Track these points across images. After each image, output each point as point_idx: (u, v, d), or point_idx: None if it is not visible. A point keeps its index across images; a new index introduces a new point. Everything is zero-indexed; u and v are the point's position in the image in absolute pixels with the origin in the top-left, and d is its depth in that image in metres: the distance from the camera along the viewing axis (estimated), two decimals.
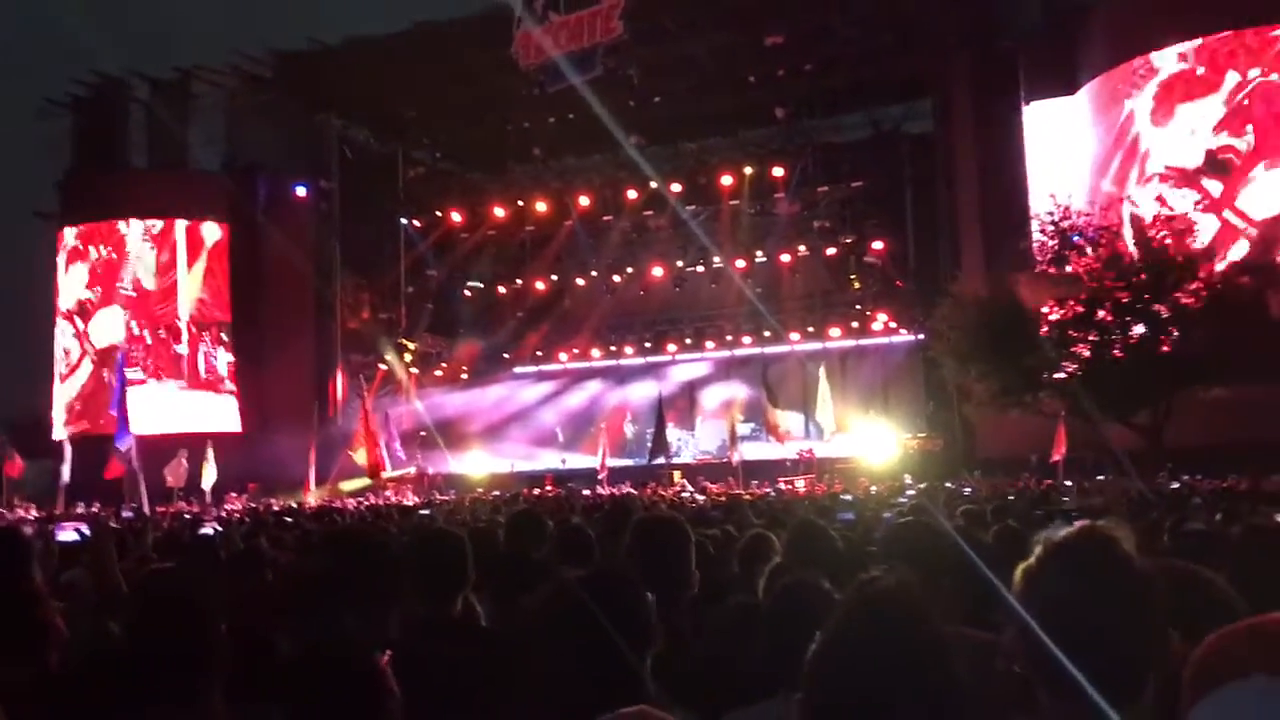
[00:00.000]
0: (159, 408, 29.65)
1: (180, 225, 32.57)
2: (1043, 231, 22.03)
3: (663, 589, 2.87)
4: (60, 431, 30.15)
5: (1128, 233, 21.99)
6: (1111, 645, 1.74)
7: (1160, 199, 21.98)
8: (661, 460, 25.08)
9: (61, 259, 32.88)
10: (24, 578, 3.61)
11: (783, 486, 20.55)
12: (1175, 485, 15.44)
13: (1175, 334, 19.80)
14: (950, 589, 3.14)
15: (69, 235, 32.88)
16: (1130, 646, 1.78)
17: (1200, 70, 23.08)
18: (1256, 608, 1.26)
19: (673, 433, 27.90)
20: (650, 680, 2.43)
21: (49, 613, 3.58)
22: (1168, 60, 23.60)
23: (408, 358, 34.05)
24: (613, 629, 2.32)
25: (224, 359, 32.35)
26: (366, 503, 20.07)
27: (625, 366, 34.26)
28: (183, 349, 32.08)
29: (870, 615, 1.54)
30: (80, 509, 20.06)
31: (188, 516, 15.40)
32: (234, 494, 24.70)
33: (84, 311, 32.59)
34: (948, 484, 17.76)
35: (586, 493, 20.07)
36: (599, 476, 24.36)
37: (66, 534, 6.61)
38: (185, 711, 2.64)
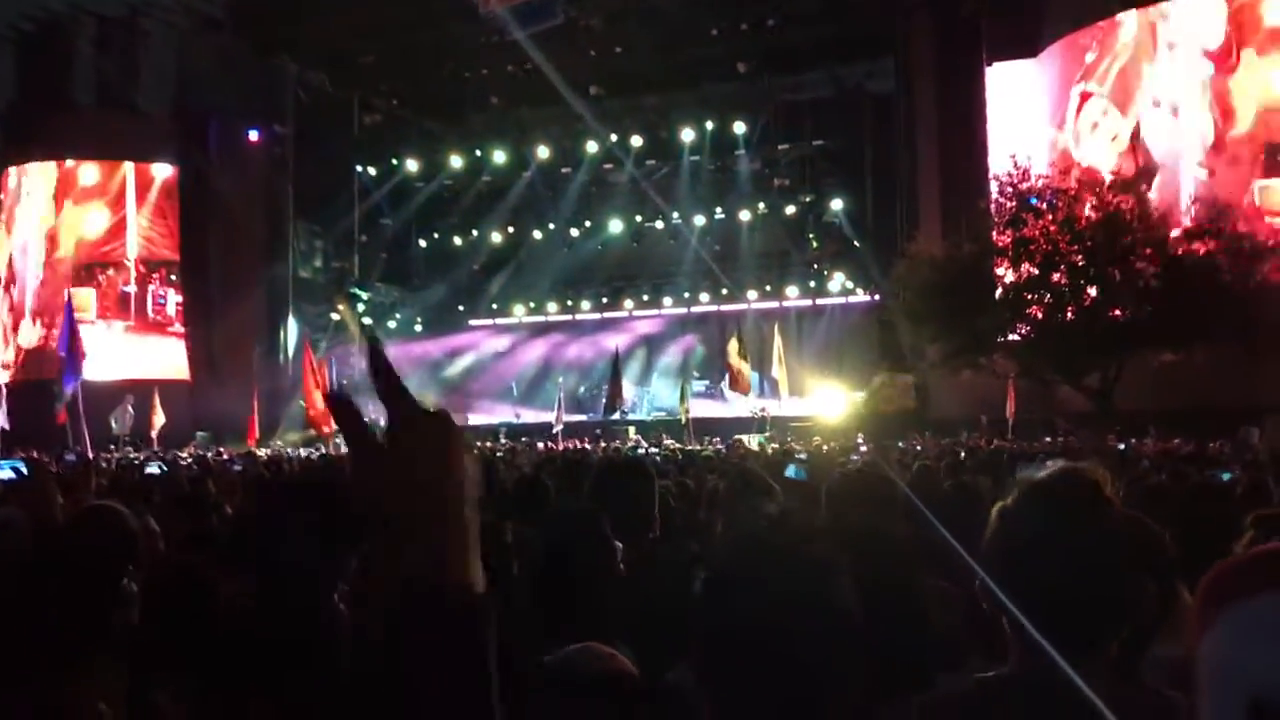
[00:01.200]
0: (106, 351, 29.08)
1: (129, 166, 31.91)
2: (1001, 193, 22.11)
3: (625, 531, 2.83)
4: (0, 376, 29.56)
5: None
6: (1086, 587, 1.72)
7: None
8: (616, 415, 25.05)
9: (4, 198, 32.13)
10: None
11: (732, 442, 20.58)
12: (1122, 447, 15.66)
13: (1128, 298, 20.01)
14: (903, 537, 3.11)
15: (12, 174, 32.11)
16: (1105, 589, 1.76)
17: (1163, 31, 23.21)
18: (1199, 559, 1.30)
19: (628, 389, 27.86)
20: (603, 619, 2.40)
21: None
22: (1130, 21, 23.69)
23: (360, 307, 33.67)
24: (574, 568, 2.28)
25: (173, 300, 31.84)
26: (318, 452, 19.87)
27: (582, 321, 34.15)
28: (130, 288, 31.52)
29: (756, 545, 1.51)
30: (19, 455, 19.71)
31: (135, 459, 15.16)
32: (190, 444, 24.34)
33: (26, 251, 31.90)
34: (900, 444, 17.88)
35: (541, 446, 20.03)
36: (554, 430, 24.30)
37: (3, 472, 6.44)
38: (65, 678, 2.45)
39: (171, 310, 31.84)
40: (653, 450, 17.52)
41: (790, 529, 1.50)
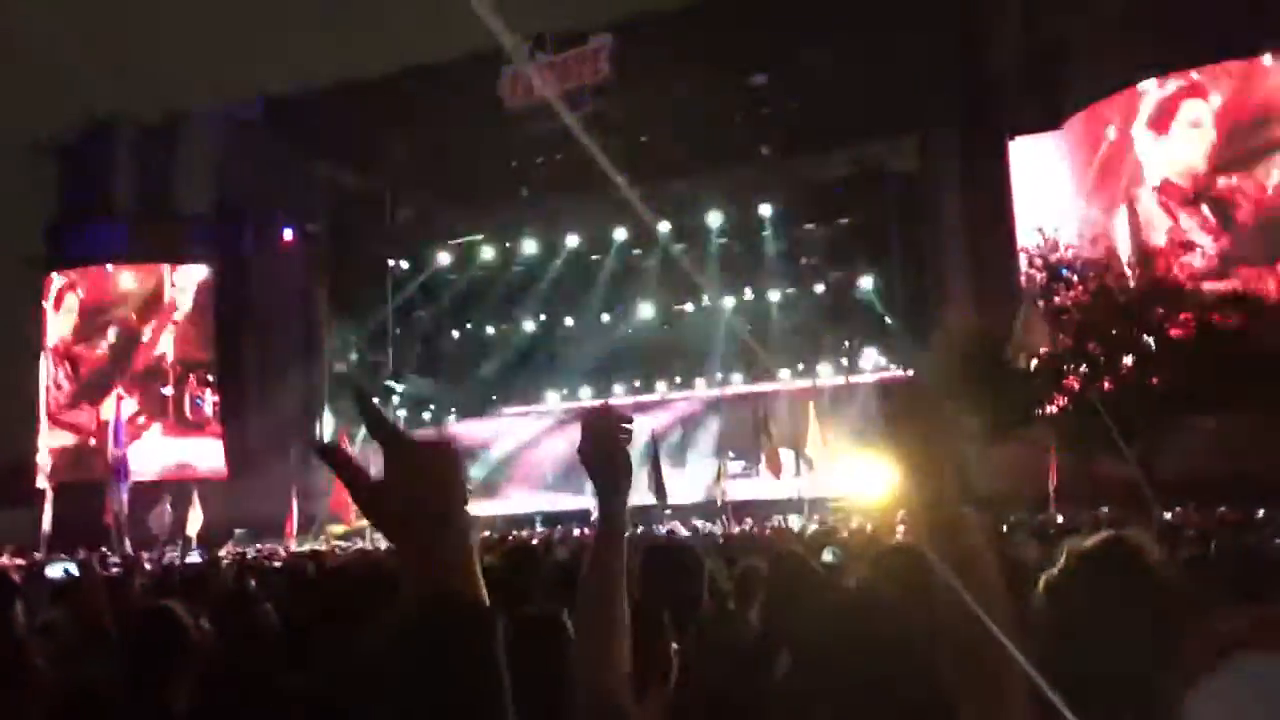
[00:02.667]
0: (144, 452, 29.37)
1: (166, 270, 32.53)
2: (1031, 265, 22.10)
3: (675, 612, 2.80)
4: (42, 480, 29.85)
5: (1124, 249, 21.98)
6: (1134, 657, 1.69)
7: (1164, 204, 22.03)
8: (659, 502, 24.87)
9: (49, 305, 32.76)
10: (5, 620, 3.52)
11: (775, 524, 20.36)
12: (1168, 516, 15.38)
13: (1163, 365, 19.84)
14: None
15: (56, 281, 32.78)
16: (1154, 659, 1.74)
17: (1186, 98, 23.31)
18: None
19: (665, 473, 27.71)
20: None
21: (29, 654, 3.48)
22: (1153, 90, 23.83)
23: (396, 400, 33.86)
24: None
25: (209, 400, 32.19)
26: (354, 547, 19.85)
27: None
28: (168, 390, 31.91)
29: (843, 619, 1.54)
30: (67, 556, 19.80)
31: (174, 559, 15.19)
32: (229, 542, 24.36)
33: (72, 358, 32.42)
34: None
35: (577, 532, 19.92)
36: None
37: (54, 571, 6.49)
38: None
39: (209, 410, 32.18)
40: (686, 533, 17.40)
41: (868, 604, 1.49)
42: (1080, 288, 20.97)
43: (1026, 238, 23.31)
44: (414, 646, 0.98)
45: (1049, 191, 25.06)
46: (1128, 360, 20.40)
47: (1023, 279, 22.31)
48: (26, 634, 3.62)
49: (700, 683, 2.95)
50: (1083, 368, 20.62)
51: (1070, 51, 24.77)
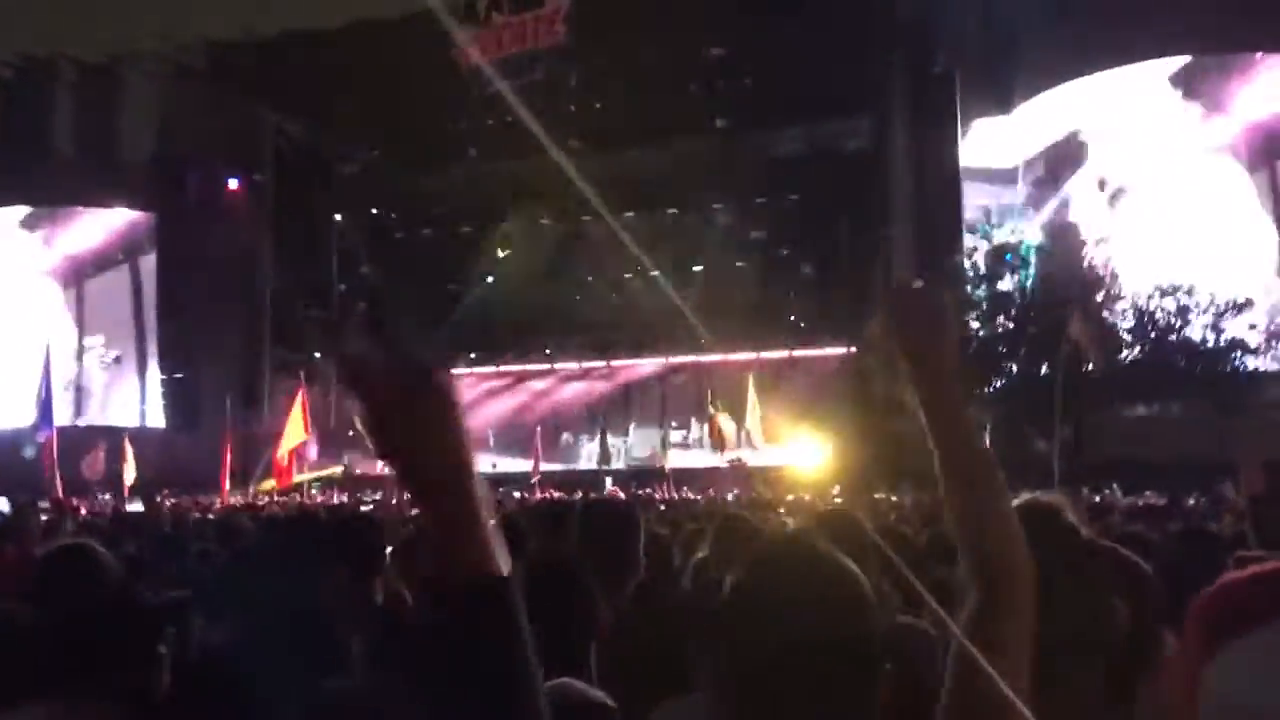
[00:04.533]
0: (77, 399, 28.87)
1: (106, 213, 31.87)
2: (977, 249, 22.40)
3: (610, 574, 2.84)
4: None
5: (1068, 235, 22.33)
6: (1059, 616, 1.73)
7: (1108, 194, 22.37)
8: (603, 467, 25.05)
9: None
10: None
11: (709, 495, 20.52)
12: (1097, 499, 15.71)
13: (1102, 352, 20.19)
14: (879, 582, 3.12)
15: None
16: (1079, 616, 1.77)
17: (1136, 93, 23.64)
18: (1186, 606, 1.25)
19: (610, 440, 27.91)
20: (592, 666, 2.40)
21: None
22: (1103, 81, 24.14)
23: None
24: (555, 618, 2.26)
25: (149, 348, 31.70)
26: (292, 502, 19.71)
27: (560, 371, 34.13)
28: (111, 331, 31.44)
29: (785, 555, 1.49)
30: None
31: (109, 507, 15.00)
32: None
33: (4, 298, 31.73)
34: (876, 495, 17.87)
35: (517, 495, 19.93)
36: (532, 480, 24.20)
37: None
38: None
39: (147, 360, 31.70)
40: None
41: (815, 545, 1.50)
42: (1023, 273, 21.29)
43: (974, 221, 23.58)
44: (450, 634, 0.98)
45: (998, 176, 25.36)
46: (1065, 345, 20.74)
47: (967, 262, 22.58)
48: None
49: (638, 640, 3.00)
50: (1021, 351, 20.94)
51: (1024, 39, 25.01)
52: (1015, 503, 1.91)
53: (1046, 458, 20.79)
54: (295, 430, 21.87)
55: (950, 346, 1.64)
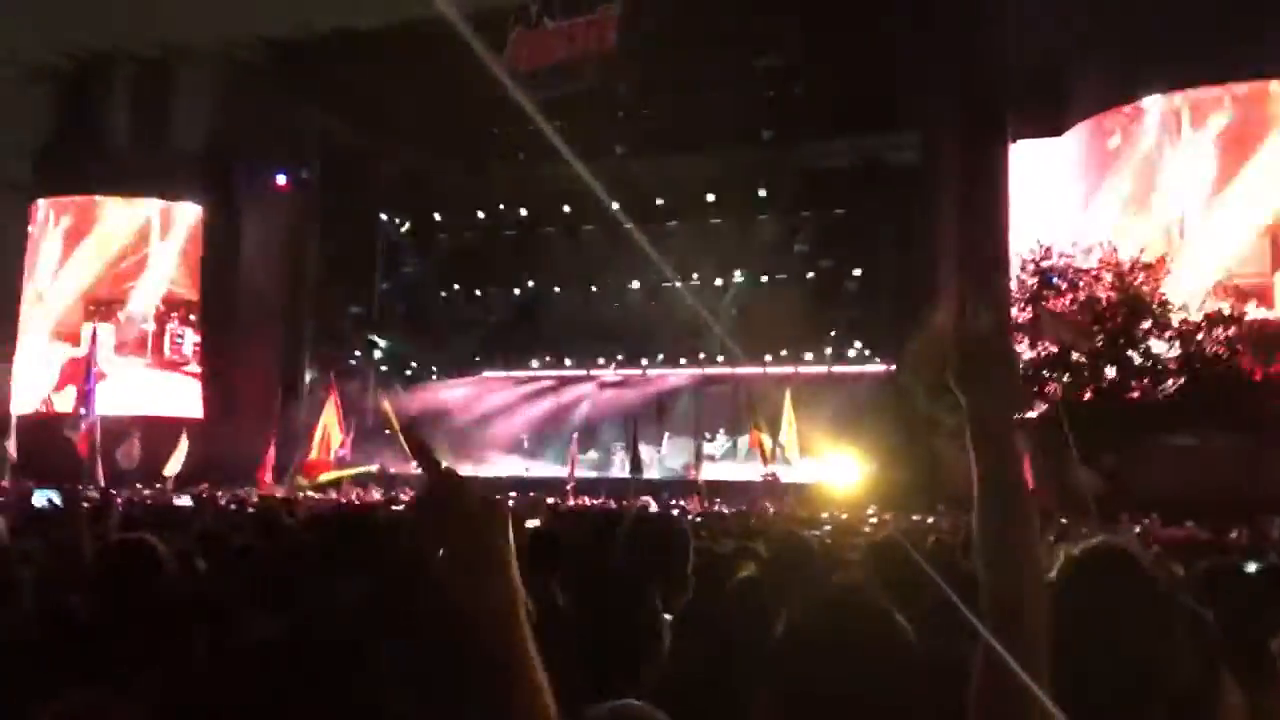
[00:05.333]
0: (121, 387, 29.18)
1: (156, 204, 32.31)
2: (1023, 269, 22.17)
3: (661, 591, 2.78)
4: (14, 407, 29.57)
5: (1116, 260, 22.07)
6: (1131, 663, 1.70)
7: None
8: (635, 475, 25.02)
9: (34, 231, 32.51)
10: None
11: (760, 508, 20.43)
12: (1137, 530, 15.49)
13: (1146, 381, 19.96)
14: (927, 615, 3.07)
15: (41, 206, 32.51)
16: (1147, 663, 1.74)
17: (1187, 119, 23.33)
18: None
19: (643, 449, 27.88)
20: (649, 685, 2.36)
21: (15, 576, 3.47)
22: (1156, 106, 23.86)
23: (378, 354, 33.77)
24: (615, 632, 2.23)
25: (190, 339, 32.03)
26: (327, 498, 19.83)
27: (596, 378, 34.18)
28: (149, 326, 31.76)
29: (839, 609, 1.54)
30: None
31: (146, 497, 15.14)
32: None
33: (53, 287, 32.19)
34: (913, 517, 17.73)
35: (551, 501, 19.94)
36: (567, 486, 24.23)
37: (38, 500, 6.45)
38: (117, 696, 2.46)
39: (188, 350, 32.02)
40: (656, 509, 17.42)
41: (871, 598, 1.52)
42: (1069, 296, 21.05)
43: (1020, 243, 23.35)
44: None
45: (1046, 197, 25.09)
46: (1110, 372, 20.51)
47: (1014, 283, 22.36)
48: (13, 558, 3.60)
49: (685, 661, 2.95)
50: (1065, 376, 20.71)
51: (1076, 59, 24.77)
52: (1089, 545, 1.89)
53: (1089, 486, 20.57)
54: (331, 427, 22.05)
55: (1015, 391, 1.71)
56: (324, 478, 23.88)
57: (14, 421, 23.77)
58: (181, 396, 31.14)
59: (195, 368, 31.94)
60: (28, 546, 5.23)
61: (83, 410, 16.82)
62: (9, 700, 2.47)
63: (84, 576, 3.78)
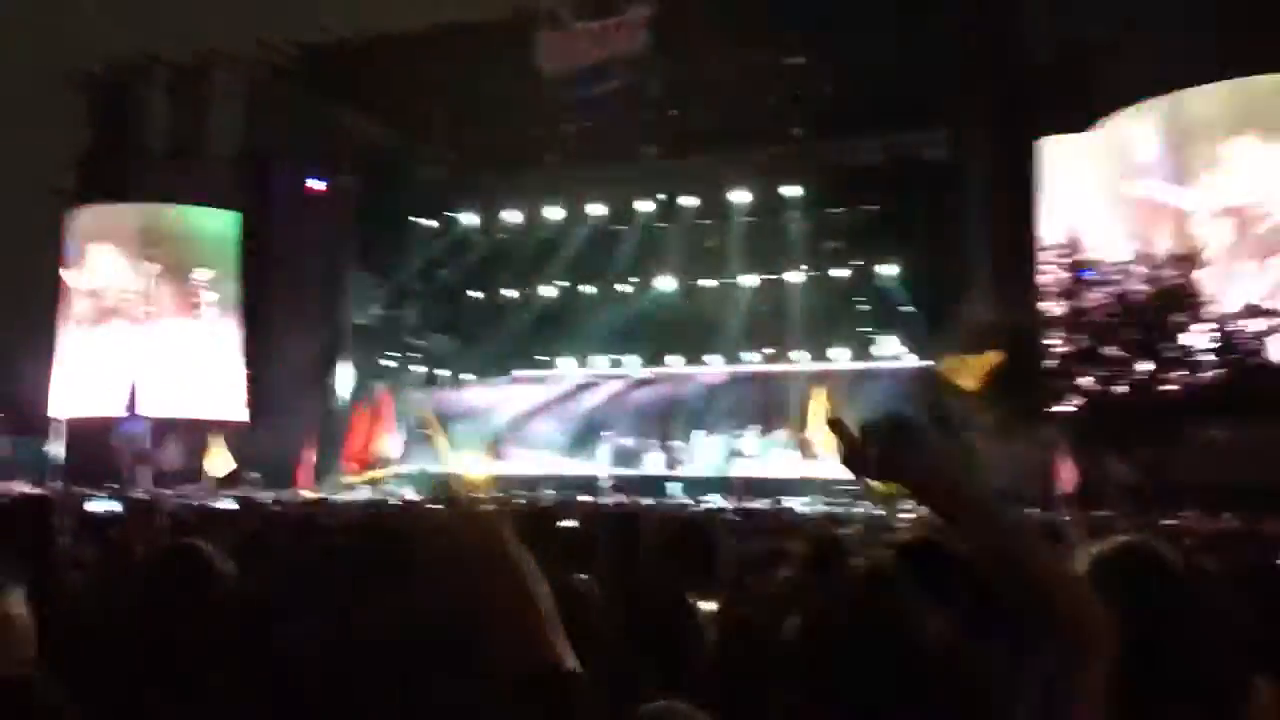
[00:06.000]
0: (160, 391, 29.54)
1: (195, 210, 32.69)
2: (1055, 264, 22.05)
3: (697, 589, 2.88)
4: (57, 410, 29.95)
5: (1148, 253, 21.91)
6: (1157, 660, 1.72)
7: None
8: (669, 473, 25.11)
9: (75, 238, 32.95)
10: (49, 544, 3.63)
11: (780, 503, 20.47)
12: (1173, 523, 15.38)
13: (1181, 373, 19.82)
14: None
15: (84, 214, 32.96)
16: (1176, 664, 1.77)
17: (1219, 114, 23.11)
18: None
19: (676, 445, 27.98)
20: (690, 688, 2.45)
21: (65, 581, 3.60)
22: (1185, 101, 23.64)
23: (414, 356, 34.04)
24: (654, 631, 2.32)
25: (234, 343, 32.42)
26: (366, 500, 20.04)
27: (629, 376, 34.20)
28: (196, 325, 32.23)
29: (856, 606, 1.53)
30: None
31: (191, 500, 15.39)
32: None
33: (95, 292, 32.63)
34: None
35: (586, 499, 20.06)
36: (601, 485, 24.34)
37: (94, 506, 6.63)
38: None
39: (233, 353, 32.42)
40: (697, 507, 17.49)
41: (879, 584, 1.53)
42: (1101, 290, 20.91)
43: (1051, 237, 23.21)
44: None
45: (1077, 192, 24.91)
46: (1144, 365, 20.37)
47: (1046, 277, 22.24)
48: (67, 562, 3.73)
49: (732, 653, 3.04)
50: (1101, 370, 20.59)
51: (1106, 54, 24.56)
52: (1114, 543, 1.90)
53: (1122, 479, 20.49)
54: (378, 430, 22.27)
55: (951, 459, 1.57)
56: (373, 475, 24.20)
57: (62, 424, 24.08)
58: (224, 400, 31.46)
59: (239, 370, 32.25)
60: (82, 553, 5.41)
61: (128, 414, 17.09)
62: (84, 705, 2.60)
63: (137, 581, 3.93)
